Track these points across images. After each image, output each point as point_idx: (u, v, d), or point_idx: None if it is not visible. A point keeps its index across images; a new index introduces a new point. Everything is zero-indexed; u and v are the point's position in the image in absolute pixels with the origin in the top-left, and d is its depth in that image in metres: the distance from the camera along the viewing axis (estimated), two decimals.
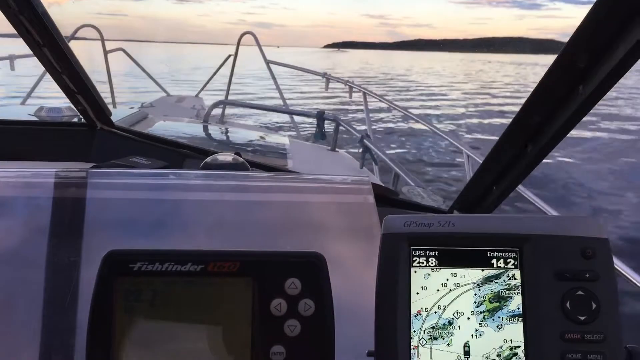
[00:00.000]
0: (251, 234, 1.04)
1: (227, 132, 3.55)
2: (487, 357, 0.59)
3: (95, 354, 0.54)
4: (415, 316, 0.61)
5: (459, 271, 0.62)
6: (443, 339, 0.60)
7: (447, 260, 0.62)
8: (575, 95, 0.84)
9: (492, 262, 0.62)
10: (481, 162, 2.80)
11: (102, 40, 5.24)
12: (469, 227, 0.63)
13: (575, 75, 0.82)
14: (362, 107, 4.63)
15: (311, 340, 0.57)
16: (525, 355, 0.59)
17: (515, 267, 0.62)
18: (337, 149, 3.41)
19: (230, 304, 0.57)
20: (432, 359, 0.60)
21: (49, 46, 1.36)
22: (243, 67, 5.88)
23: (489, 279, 0.62)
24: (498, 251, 0.62)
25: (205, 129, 3.52)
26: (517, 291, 0.61)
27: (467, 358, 0.60)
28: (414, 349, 0.60)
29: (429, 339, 0.61)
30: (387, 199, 1.50)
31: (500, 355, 0.59)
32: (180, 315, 0.56)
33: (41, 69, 4.56)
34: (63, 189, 1.04)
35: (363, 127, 4.22)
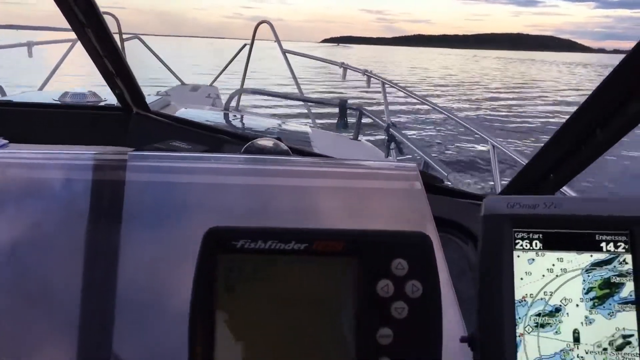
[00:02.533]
0: (301, 220, 1.02)
1: (248, 120, 3.54)
2: (598, 346, 0.57)
3: (198, 330, 0.52)
4: (519, 302, 0.58)
5: (565, 256, 0.59)
6: (550, 326, 0.58)
7: (552, 243, 0.60)
8: None
9: (601, 245, 0.59)
10: (506, 151, 2.76)
11: (119, 28, 5.23)
12: (576, 209, 0.60)
13: None
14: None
15: (419, 323, 0.54)
16: (639, 344, 0.56)
17: (627, 251, 0.59)
18: (359, 138, 3.39)
19: (334, 284, 0.55)
20: (539, 346, 0.57)
21: (93, 27, 1.34)
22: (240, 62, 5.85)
23: (598, 265, 0.59)
24: (607, 234, 0.59)
25: (227, 116, 3.51)
26: (629, 277, 0.58)
27: (577, 345, 0.57)
28: (519, 336, 0.58)
29: (535, 326, 0.58)
30: (432, 186, 1.47)
31: (612, 344, 0.57)
32: (283, 294, 0.54)
33: (57, 57, 4.56)
34: (102, 171, 1.03)
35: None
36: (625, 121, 0.93)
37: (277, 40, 5.26)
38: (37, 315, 0.81)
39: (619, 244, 0.59)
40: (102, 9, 1.29)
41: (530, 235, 0.60)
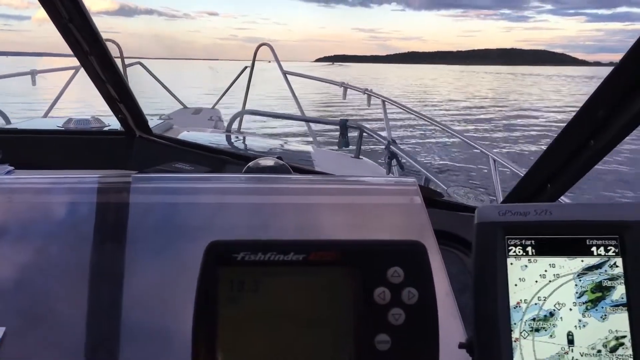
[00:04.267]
0: (302, 237, 1.03)
1: (250, 141, 3.57)
2: (592, 348, 0.58)
3: (201, 342, 0.54)
4: (514, 308, 0.60)
5: (558, 261, 0.61)
6: (545, 330, 0.59)
7: (544, 249, 0.61)
8: None
9: (592, 250, 0.61)
10: (506, 163, 2.77)
11: (121, 54, 5.31)
12: (567, 215, 0.62)
13: None
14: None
15: (416, 329, 0.56)
16: (632, 345, 0.58)
17: (617, 254, 0.60)
18: (361, 156, 3.41)
19: (332, 293, 0.57)
20: (534, 350, 0.59)
21: (96, 55, 1.38)
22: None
23: (589, 269, 0.60)
24: (598, 239, 0.61)
25: (229, 138, 3.54)
26: (619, 281, 0.60)
27: (572, 348, 0.58)
28: (515, 340, 0.59)
29: (530, 331, 0.59)
30: (432, 200, 1.49)
31: (606, 346, 0.58)
32: (283, 304, 0.56)
33: (60, 84, 4.64)
34: (107, 194, 1.04)
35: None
36: (617, 131, 0.95)
37: (278, 62, 5.33)
38: (43, 337, 0.82)
39: (609, 248, 0.61)
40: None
41: (523, 241, 0.62)
